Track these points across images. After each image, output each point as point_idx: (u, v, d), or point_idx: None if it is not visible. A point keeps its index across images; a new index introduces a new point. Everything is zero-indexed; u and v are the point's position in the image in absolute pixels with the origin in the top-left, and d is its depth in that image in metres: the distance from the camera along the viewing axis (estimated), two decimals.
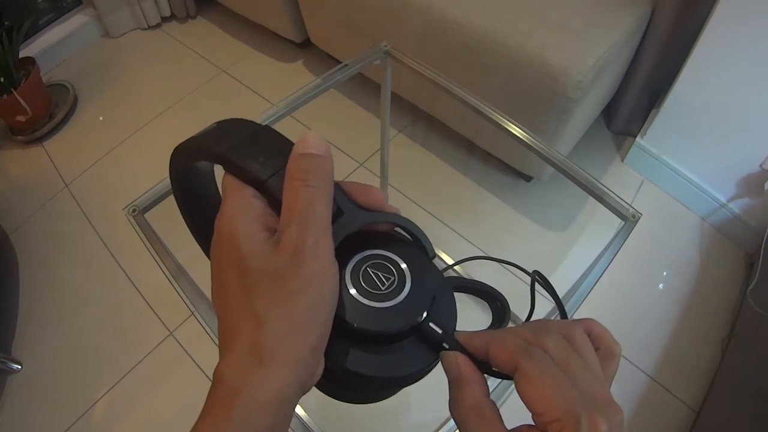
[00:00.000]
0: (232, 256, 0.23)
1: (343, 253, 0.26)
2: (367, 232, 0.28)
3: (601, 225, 1.30)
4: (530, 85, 1.02)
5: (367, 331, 0.25)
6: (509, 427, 0.23)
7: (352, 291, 0.25)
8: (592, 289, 0.55)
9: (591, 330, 0.27)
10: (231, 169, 0.25)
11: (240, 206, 0.24)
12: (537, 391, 0.22)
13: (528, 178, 1.39)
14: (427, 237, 0.28)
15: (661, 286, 1.27)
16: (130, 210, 0.59)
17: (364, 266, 0.26)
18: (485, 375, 0.25)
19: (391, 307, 0.25)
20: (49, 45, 1.74)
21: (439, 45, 1.12)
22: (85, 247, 1.36)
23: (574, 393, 0.22)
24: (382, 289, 0.26)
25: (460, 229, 1.34)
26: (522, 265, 0.34)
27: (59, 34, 1.77)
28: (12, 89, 1.44)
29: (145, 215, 0.60)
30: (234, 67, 1.74)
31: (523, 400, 0.22)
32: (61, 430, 1.10)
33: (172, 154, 0.28)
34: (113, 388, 1.15)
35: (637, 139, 1.37)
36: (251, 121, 0.27)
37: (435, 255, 0.28)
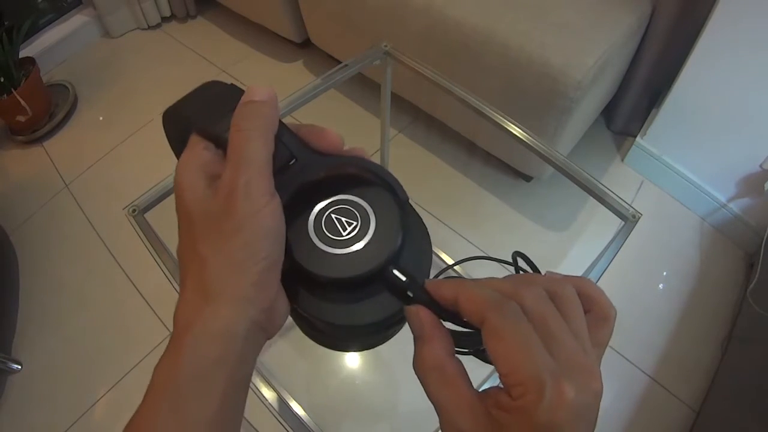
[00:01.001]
0: (181, 206, 0.24)
1: (306, 200, 0.26)
2: (336, 177, 0.27)
3: (601, 225, 1.30)
4: (530, 85, 1.02)
5: (323, 278, 0.24)
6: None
7: (313, 237, 0.25)
8: None
9: (583, 289, 0.24)
10: (197, 129, 0.26)
11: (187, 158, 0.25)
12: (503, 349, 0.20)
13: (528, 178, 1.39)
14: (396, 179, 0.27)
15: (661, 286, 1.27)
16: (130, 210, 0.59)
17: (328, 212, 0.26)
18: (459, 327, 0.24)
19: (349, 253, 0.24)
20: (49, 45, 1.74)
21: (439, 45, 1.12)
22: (85, 247, 1.36)
23: (545, 356, 0.20)
24: (344, 234, 0.25)
25: (460, 229, 1.34)
26: (521, 265, 0.34)
27: (59, 34, 1.77)
28: (12, 89, 1.44)
29: (145, 215, 0.60)
30: (234, 67, 1.74)
31: (491, 358, 0.21)
32: (61, 430, 1.10)
33: (162, 120, 0.29)
34: (113, 387, 1.15)
35: (637, 139, 1.37)
36: (220, 82, 0.28)
37: (407, 198, 0.27)
